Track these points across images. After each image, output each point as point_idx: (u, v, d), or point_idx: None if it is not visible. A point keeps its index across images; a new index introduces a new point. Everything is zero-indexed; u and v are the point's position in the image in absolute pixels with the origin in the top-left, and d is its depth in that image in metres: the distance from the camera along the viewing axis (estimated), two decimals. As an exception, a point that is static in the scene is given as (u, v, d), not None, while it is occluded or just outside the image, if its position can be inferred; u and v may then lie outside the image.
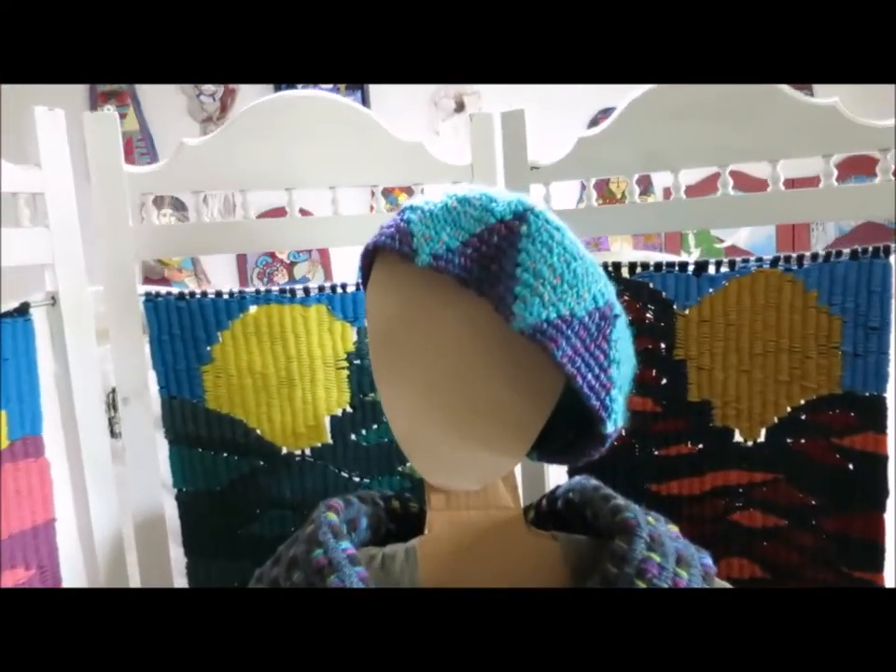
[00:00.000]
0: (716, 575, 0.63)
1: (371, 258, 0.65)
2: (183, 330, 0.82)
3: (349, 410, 0.88)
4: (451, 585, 0.66)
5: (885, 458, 0.79)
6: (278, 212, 0.87)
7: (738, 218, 0.85)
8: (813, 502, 0.83)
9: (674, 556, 0.60)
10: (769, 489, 0.84)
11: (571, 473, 0.85)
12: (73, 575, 0.77)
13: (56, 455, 0.76)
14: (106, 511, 0.79)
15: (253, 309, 0.84)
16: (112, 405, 0.79)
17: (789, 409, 0.82)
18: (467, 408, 0.65)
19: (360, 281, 0.68)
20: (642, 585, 0.59)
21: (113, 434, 0.79)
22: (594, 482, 0.71)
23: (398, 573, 0.66)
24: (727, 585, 0.65)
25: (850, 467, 0.80)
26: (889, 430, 0.79)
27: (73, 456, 0.77)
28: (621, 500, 0.65)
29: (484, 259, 0.61)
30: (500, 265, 0.60)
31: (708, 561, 0.62)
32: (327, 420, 0.87)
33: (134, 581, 0.82)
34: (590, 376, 0.59)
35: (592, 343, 0.59)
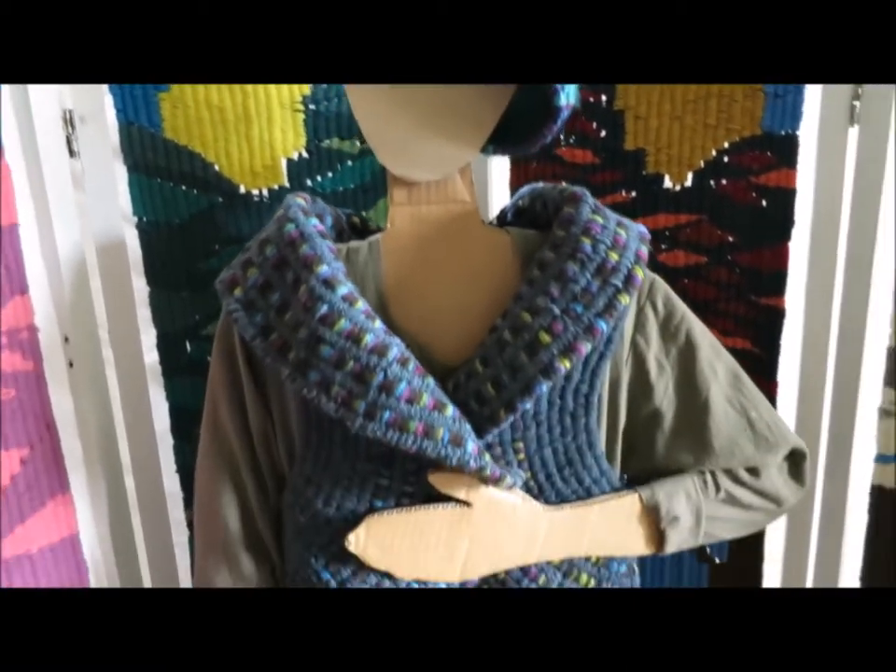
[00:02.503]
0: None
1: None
2: (138, 54, 0.82)
3: (305, 154, 0.91)
4: (412, 277, 0.72)
5: (794, 192, 0.88)
6: None
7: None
8: (730, 239, 0.92)
9: (614, 220, 0.68)
10: (693, 230, 0.93)
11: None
12: (38, 286, 0.79)
13: (17, 168, 0.76)
14: (69, 232, 0.81)
15: (208, 39, 0.84)
16: (70, 123, 0.79)
17: (714, 152, 0.90)
18: (429, 103, 0.69)
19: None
20: (587, 242, 0.66)
21: (72, 153, 0.80)
22: (542, 183, 0.77)
23: (362, 265, 0.71)
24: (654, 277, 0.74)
25: (764, 203, 0.90)
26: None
27: (33, 171, 0.77)
28: (569, 185, 0.72)
29: None
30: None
31: (643, 228, 0.70)
32: (283, 162, 0.90)
33: (99, 305, 0.85)
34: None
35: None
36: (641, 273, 0.66)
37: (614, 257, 0.66)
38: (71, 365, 0.83)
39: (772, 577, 1.01)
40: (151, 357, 0.90)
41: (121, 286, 0.86)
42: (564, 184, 0.72)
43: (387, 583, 0.72)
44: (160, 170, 0.85)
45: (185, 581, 0.99)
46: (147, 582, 0.97)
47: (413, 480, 0.70)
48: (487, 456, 0.66)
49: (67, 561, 0.84)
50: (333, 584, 0.71)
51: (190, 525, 0.96)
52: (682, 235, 0.94)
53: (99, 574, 0.90)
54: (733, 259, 0.92)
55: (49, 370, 0.80)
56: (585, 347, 0.65)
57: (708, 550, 1.02)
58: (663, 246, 0.95)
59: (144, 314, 0.88)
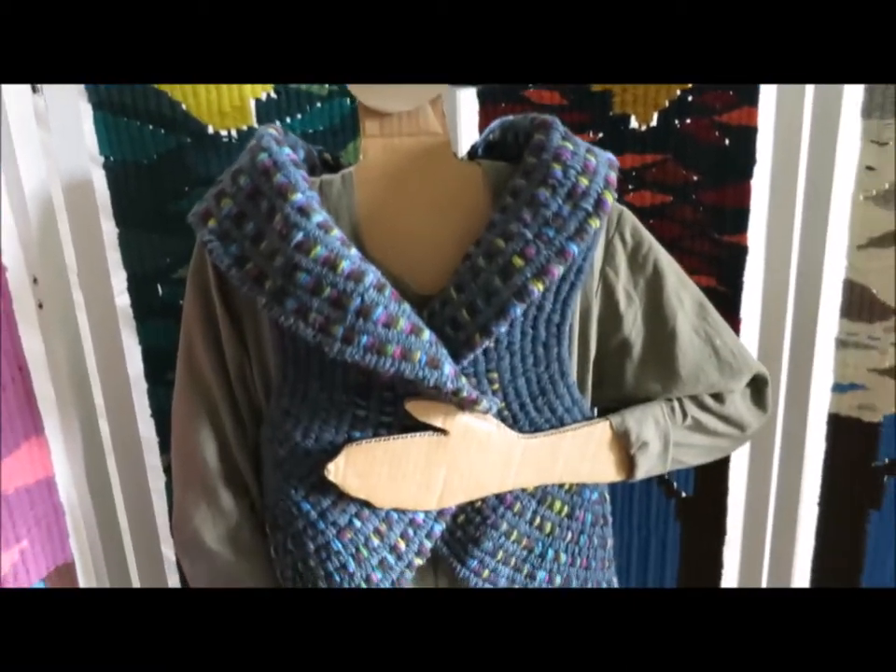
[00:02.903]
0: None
1: None
2: (100, -12, 0.80)
3: (273, 95, 0.90)
4: (385, 208, 0.73)
5: (755, 130, 0.91)
6: None
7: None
8: (695, 178, 0.94)
9: (584, 146, 0.70)
10: (658, 169, 0.95)
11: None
12: (4, 224, 0.78)
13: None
14: (34, 170, 0.80)
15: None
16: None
17: (678, 91, 0.92)
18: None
19: None
20: (558, 167, 0.67)
21: (34, 89, 0.79)
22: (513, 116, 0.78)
23: (335, 197, 0.72)
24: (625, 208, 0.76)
25: (727, 142, 0.92)
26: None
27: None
28: (539, 114, 0.73)
29: None
30: None
31: (612, 156, 0.71)
32: (252, 103, 0.89)
33: (68, 246, 0.84)
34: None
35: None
36: (611, 198, 0.68)
37: (584, 182, 0.67)
38: (41, 306, 0.82)
39: (736, 509, 1.05)
40: (122, 299, 0.89)
41: (90, 226, 0.85)
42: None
43: (367, 512, 0.73)
44: (126, 108, 0.84)
45: (163, 527, 0.99)
46: (124, 526, 0.97)
47: (389, 410, 0.72)
48: (463, 379, 0.68)
49: (44, 503, 0.84)
50: (313, 515, 0.73)
51: (167, 470, 0.96)
52: (648, 175, 0.96)
53: (76, 518, 0.90)
54: (697, 198, 0.95)
55: (19, 311, 0.79)
56: (558, 270, 0.66)
57: (675, 485, 1.06)
58: (630, 187, 0.96)
59: (113, 256, 0.88)
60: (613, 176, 0.69)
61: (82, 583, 0.90)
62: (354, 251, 0.65)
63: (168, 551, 0.98)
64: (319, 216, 0.65)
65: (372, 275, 0.65)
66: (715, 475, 1.03)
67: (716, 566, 1.08)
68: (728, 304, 0.95)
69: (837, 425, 0.95)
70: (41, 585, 0.84)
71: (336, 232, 0.65)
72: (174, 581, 1.00)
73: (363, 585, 0.73)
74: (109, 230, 0.87)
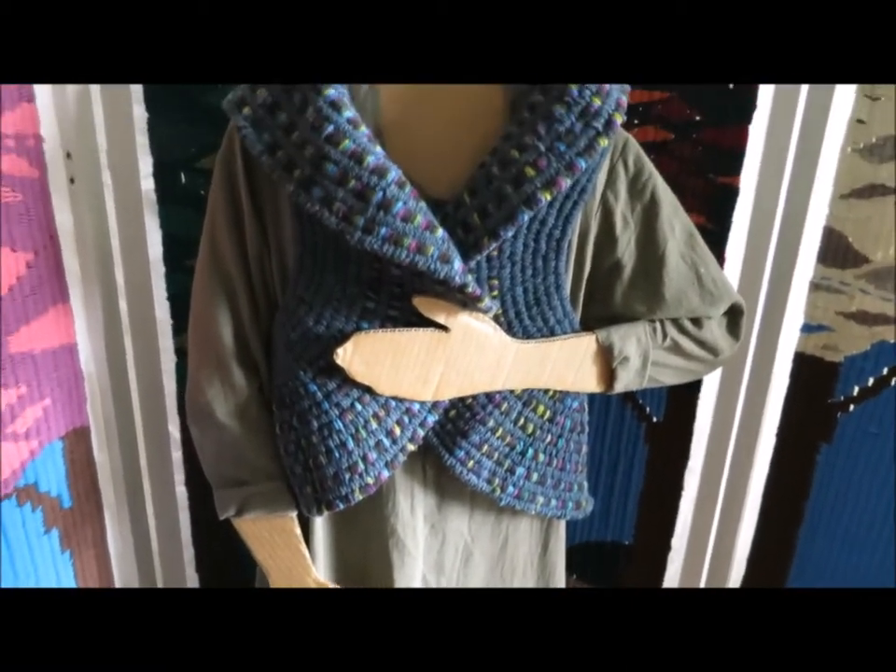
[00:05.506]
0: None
1: None
2: None
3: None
4: (407, 114, 0.77)
5: (760, 76, 0.95)
6: None
7: None
8: (697, 118, 0.99)
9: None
10: (664, 106, 1.00)
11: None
12: (43, 98, 0.81)
13: None
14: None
15: None
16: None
17: (691, 32, 0.96)
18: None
19: None
20: (574, 87, 0.72)
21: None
22: None
23: (361, 98, 0.76)
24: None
25: (731, 85, 0.97)
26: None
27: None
28: None
29: None
30: None
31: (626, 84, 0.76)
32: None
33: (100, 127, 0.87)
34: None
35: None
36: (620, 119, 0.73)
37: (597, 102, 0.72)
38: (72, 181, 0.86)
39: (700, 437, 1.13)
40: (147, 183, 0.93)
41: (122, 109, 0.88)
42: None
43: (368, 398, 0.80)
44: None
45: (170, 406, 1.05)
46: (136, 402, 1.03)
47: (397, 305, 0.77)
48: (470, 276, 0.74)
49: (66, 367, 0.90)
50: (319, 395, 0.79)
51: (178, 352, 1.02)
52: (654, 111, 1.00)
53: (93, 386, 0.95)
54: (697, 137, 1.00)
55: (53, 183, 0.83)
56: (565, 182, 0.72)
57: (647, 409, 1.14)
58: (635, 121, 1.01)
59: (142, 140, 0.91)
60: (624, 100, 0.74)
61: (95, 449, 0.97)
62: (378, 148, 0.70)
63: (174, 429, 1.04)
64: (349, 111, 0.69)
65: (395, 172, 0.70)
66: (685, 403, 1.11)
67: (677, 488, 1.17)
68: (715, 242, 1.01)
69: (801, 362, 1.03)
70: (60, 444, 0.90)
71: (363, 129, 0.70)
72: (177, 456, 1.06)
73: (360, 463, 0.79)
74: (140, 114, 0.90)
